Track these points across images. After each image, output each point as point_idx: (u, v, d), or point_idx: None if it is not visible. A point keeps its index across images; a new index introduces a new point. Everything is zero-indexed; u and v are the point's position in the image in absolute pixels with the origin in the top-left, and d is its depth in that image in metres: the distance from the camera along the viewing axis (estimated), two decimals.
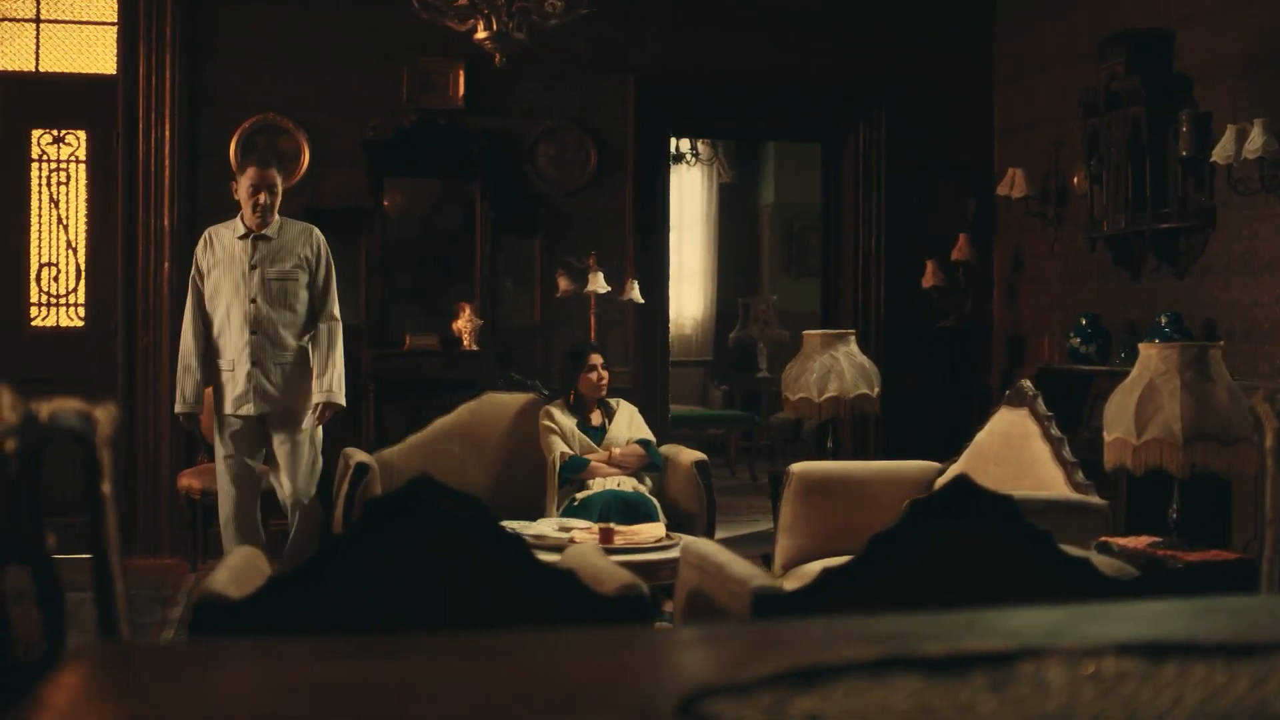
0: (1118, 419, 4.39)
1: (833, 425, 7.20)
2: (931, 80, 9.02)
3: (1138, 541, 4.59)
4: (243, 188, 6.36)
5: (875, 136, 8.93)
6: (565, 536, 5.33)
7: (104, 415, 2.37)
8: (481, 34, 5.55)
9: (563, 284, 8.12)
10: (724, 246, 14.48)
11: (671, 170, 13.50)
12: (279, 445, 6.30)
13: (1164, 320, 6.88)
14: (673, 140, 12.60)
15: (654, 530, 5.46)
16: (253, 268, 6.30)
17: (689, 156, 12.77)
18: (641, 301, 8.21)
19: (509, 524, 5.44)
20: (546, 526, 5.52)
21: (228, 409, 6.30)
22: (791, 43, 8.85)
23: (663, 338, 8.86)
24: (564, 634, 1.74)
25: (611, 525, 5.44)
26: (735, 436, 12.79)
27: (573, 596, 2.83)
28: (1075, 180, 7.95)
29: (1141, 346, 4.54)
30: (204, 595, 2.77)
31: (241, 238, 6.37)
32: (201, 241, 6.47)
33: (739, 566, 3.33)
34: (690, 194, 14.24)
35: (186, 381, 6.38)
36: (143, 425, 8.00)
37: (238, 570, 3.01)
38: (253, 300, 6.27)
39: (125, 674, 1.53)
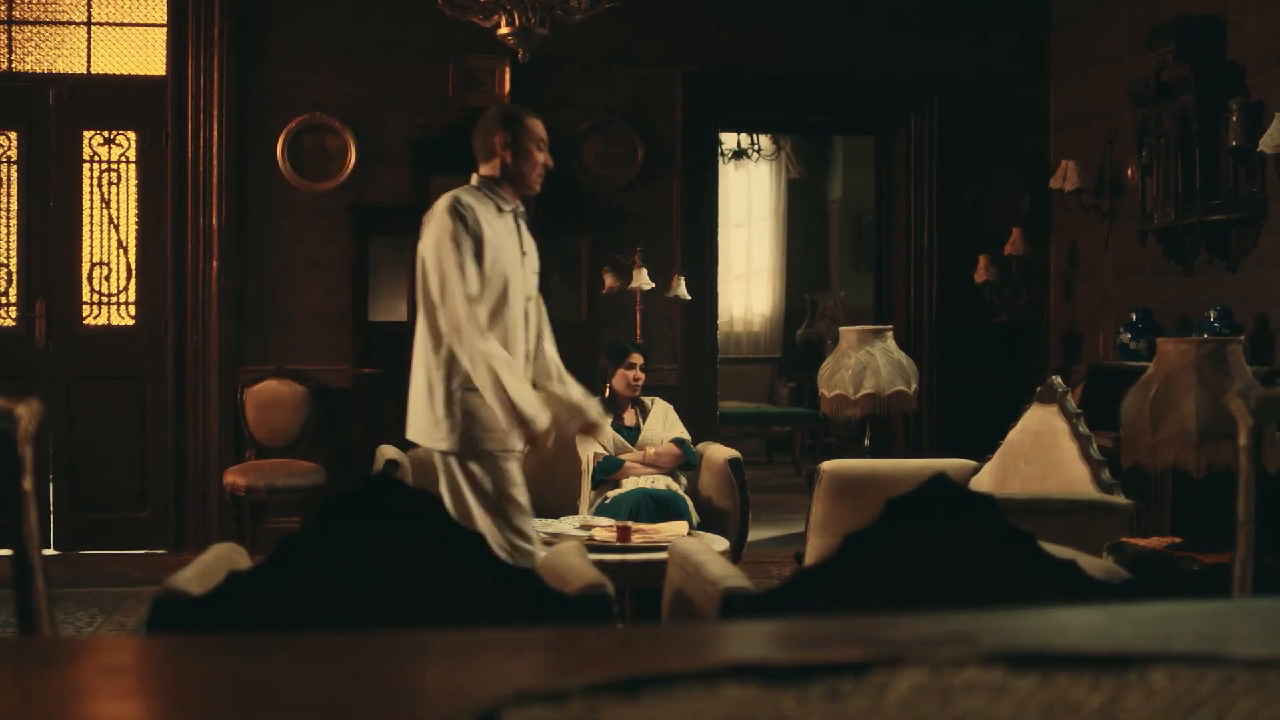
0: (1133, 416, 4.27)
1: (870, 423, 7.10)
2: (986, 72, 8.88)
3: (1156, 542, 4.46)
4: (526, 141, 4.74)
5: (927, 129, 8.81)
6: (585, 534, 5.29)
7: (25, 412, 2.36)
8: (505, 30, 5.53)
9: (609, 281, 8.08)
10: (793, 242, 14.38)
11: (738, 167, 13.52)
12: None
13: (1213, 315, 6.71)
14: (735, 137, 12.57)
15: (676, 528, 5.41)
16: (524, 255, 4.78)
17: (751, 153, 12.68)
18: (688, 298, 8.14)
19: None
20: (567, 525, 5.48)
21: (509, 442, 4.64)
22: (842, 34, 8.75)
23: (711, 335, 8.78)
24: (418, 636, 1.70)
25: (630, 523, 5.39)
26: (801, 433, 12.71)
27: (533, 596, 2.79)
28: (1129, 172, 7.79)
29: (1159, 341, 4.42)
30: (163, 591, 2.76)
31: (508, 214, 4.75)
32: (458, 212, 4.58)
33: (715, 567, 3.27)
34: (759, 190, 14.17)
35: (526, 390, 4.59)
36: (192, 423, 8.07)
37: (208, 566, 3.00)
38: (529, 298, 4.82)
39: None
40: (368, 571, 2.69)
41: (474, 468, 4.64)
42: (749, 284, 14.33)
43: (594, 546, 5.12)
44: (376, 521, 2.67)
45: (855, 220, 13.95)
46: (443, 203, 4.67)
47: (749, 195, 14.11)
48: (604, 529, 5.32)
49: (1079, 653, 1.47)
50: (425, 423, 4.80)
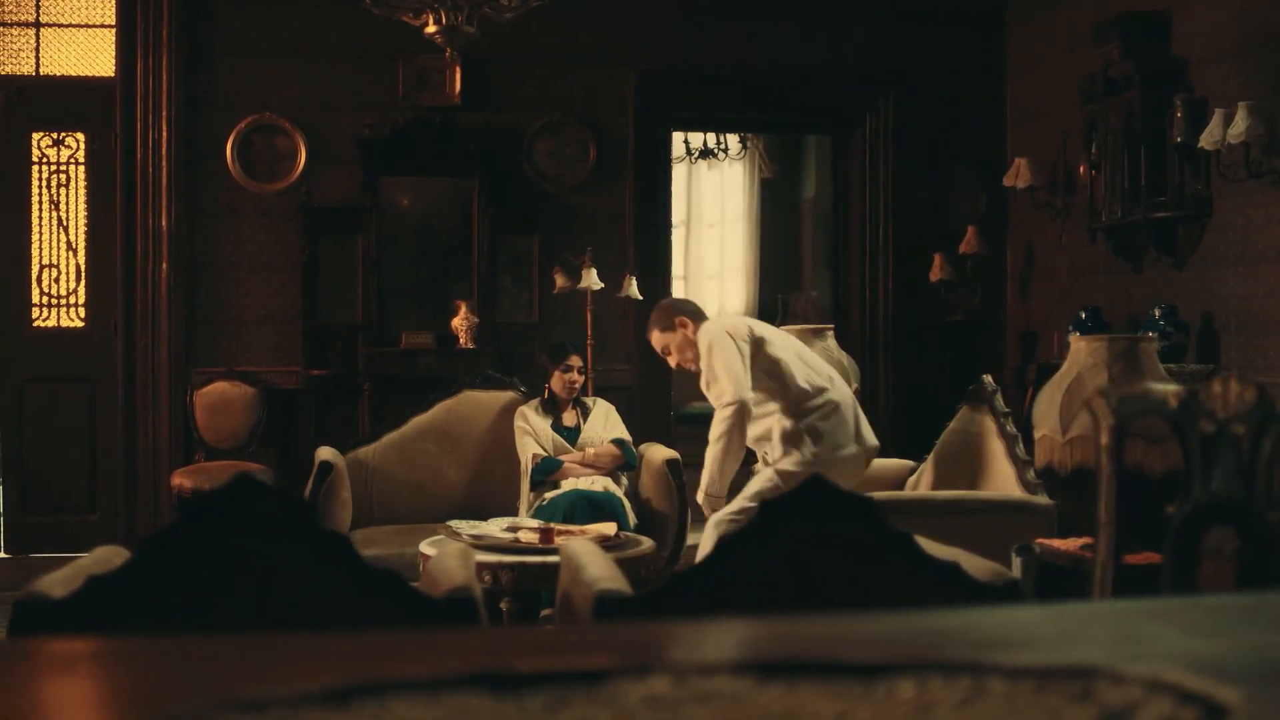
0: (1045, 415, 4.23)
1: None
2: (942, 69, 8.83)
3: (1071, 543, 4.42)
4: None
5: (883, 127, 8.76)
6: (509, 536, 5.25)
7: None
8: (431, 28, 5.49)
9: (559, 281, 8.02)
10: (766, 242, 14.32)
11: (710, 166, 13.45)
12: None
13: (1158, 313, 6.67)
14: (702, 136, 12.51)
15: (602, 530, 5.36)
16: None
17: (718, 152, 12.62)
18: (640, 298, 8.08)
19: (456, 523, 5.39)
20: (494, 527, 5.44)
21: None
22: (798, 33, 8.70)
23: None
24: (185, 640, 1.67)
25: (553, 525, 5.35)
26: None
27: (396, 598, 2.76)
28: (1081, 170, 7.75)
29: (1071, 339, 4.39)
30: (25, 595, 2.73)
31: None
32: None
33: (594, 569, 3.24)
34: (732, 189, 14.10)
35: None
36: (142, 425, 8.03)
37: (80, 569, 2.97)
38: None
39: None
40: (229, 574, 2.66)
41: None
42: (722, 284, 14.27)
43: (515, 548, 5.09)
44: (238, 523, 2.63)
45: (828, 220, 13.89)
46: None
47: (721, 195, 14.04)
48: (529, 531, 5.28)
49: (833, 662, 1.44)
50: None
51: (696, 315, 5.74)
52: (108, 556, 3.16)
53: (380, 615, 2.68)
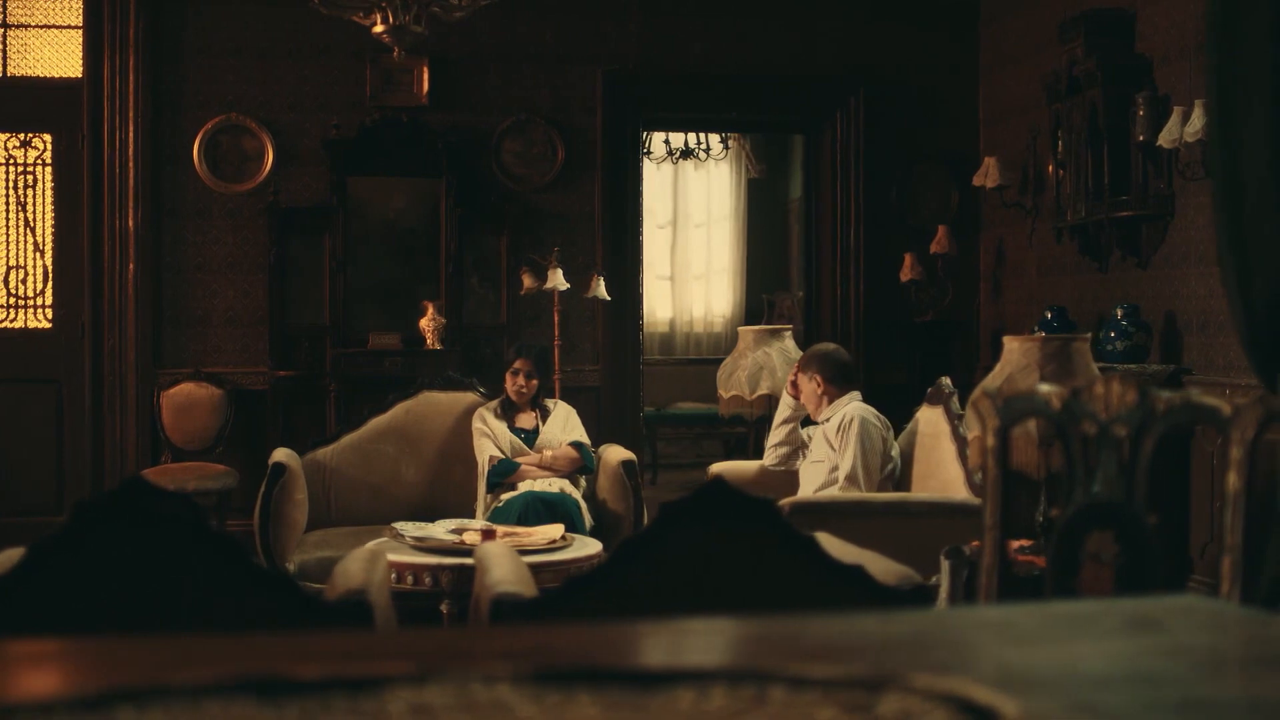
0: (977, 416, 4.19)
1: (768, 423, 7.01)
2: (914, 68, 8.79)
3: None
4: None
5: (854, 126, 8.72)
6: (455, 538, 5.22)
7: None
8: (379, 28, 5.46)
9: (527, 282, 7.99)
10: (753, 242, 14.29)
11: (697, 167, 13.42)
12: None
13: (1120, 313, 6.63)
14: (683, 136, 12.47)
15: (549, 532, 5.33)
16: None
17: (699, 152, 12.57)
18: (608, 299, 8.05)
19: (401, 525, 5.37)
20: (439, 528, 5.41)
21: None
22: (768, 31, 8.66)
23: (634, 335, 8.67)
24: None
25: (497, 527, 5.32)
26: (754, 434, 12.61)
27: (288, 600, 2.74)
28: (1050, 169, 7.70)
29: (1005, 339, 4.35)
30: None
31: None
32: None
33: (497, 572, 3.22)
34: (719, 190, 14.08)
35: None
36: (109, 426, 8.02)
37: None
38: None
39: None
40: (121, 575, 2.64)
41: None
42: (708, 284, 14.25)
43: (455, 549, 5.06)
44: (130, 524, 2.62)
45: None
46: None
47: (708, 195, 14.02)
48: (473, 532, 5.25)
49: (619, 670, 1.41)
50: None
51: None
52: (10, 558, 3.14)
53: (272, 617, 2.66)
